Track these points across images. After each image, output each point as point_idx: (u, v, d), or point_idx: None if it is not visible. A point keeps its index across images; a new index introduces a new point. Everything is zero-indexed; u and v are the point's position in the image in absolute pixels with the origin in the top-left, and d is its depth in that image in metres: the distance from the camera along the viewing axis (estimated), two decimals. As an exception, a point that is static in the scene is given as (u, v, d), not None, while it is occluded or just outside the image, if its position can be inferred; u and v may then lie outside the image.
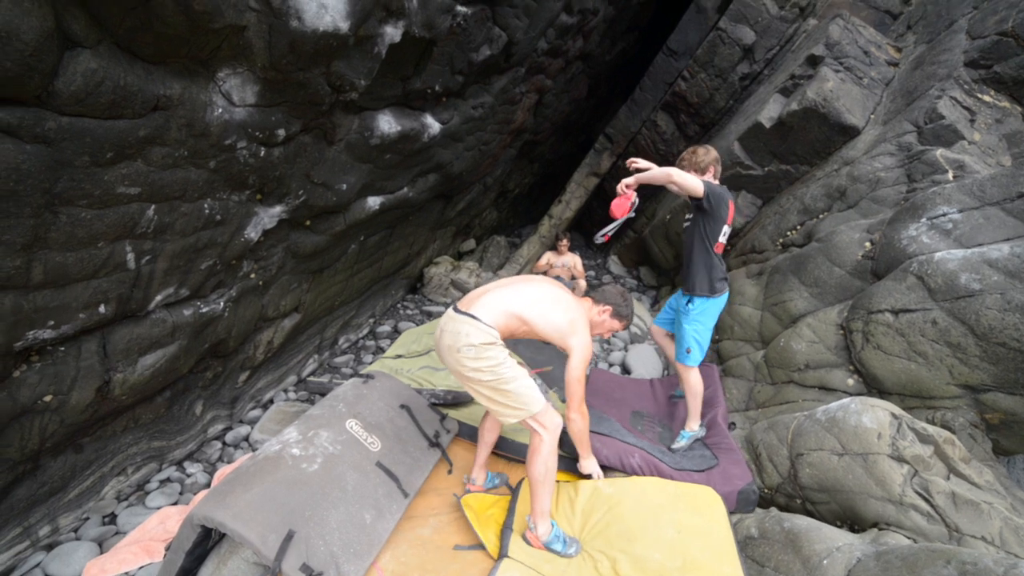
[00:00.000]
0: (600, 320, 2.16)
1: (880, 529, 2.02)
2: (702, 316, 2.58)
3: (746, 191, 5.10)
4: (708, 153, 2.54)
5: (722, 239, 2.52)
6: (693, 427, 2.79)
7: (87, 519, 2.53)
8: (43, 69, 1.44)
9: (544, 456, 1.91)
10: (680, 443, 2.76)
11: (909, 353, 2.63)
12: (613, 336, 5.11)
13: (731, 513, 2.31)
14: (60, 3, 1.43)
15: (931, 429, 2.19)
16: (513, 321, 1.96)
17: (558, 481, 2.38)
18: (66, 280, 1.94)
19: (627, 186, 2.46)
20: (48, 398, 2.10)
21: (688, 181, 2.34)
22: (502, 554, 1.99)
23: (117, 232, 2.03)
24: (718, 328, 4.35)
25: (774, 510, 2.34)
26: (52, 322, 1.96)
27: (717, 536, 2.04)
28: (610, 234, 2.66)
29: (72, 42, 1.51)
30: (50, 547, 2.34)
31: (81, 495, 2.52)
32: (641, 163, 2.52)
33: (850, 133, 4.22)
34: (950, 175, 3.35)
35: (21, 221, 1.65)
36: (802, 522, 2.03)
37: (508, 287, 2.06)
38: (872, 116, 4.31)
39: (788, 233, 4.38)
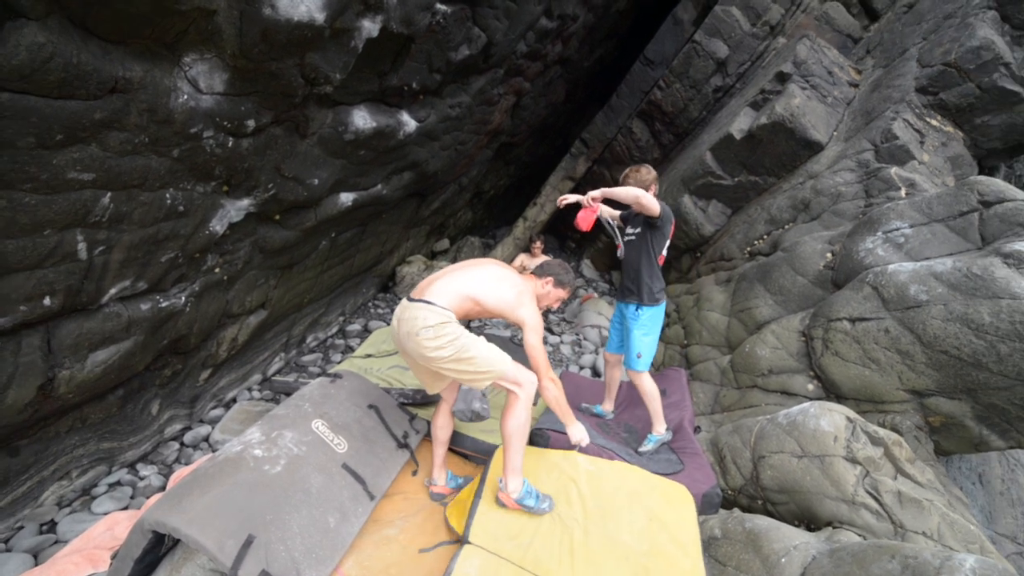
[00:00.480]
0: (545, 292, 2.23)
1: (834, 527, 2.11)
2: (649, 323, 2.71)
3: (716, 200, 5.25)
4: (650, 172, 2.73)
5: (664, 252, 2.69)
6: (660, 431, 2.86)
7: (20, 528, 2.35)
8: (-17, 40, 1.34)
9: (517, 411, 1.97)
10: (647, 447, 2.81)
11: (864, 360, 2.77)
12: (584, 340, 5.16)
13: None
14: (5, -29, 1.33)
15: (882, 432, 2.30)
16: (466, 303, 2.01)
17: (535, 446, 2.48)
18: (5, 269, 1.81)
19: (593, 199, 2.56)
20: (-19, 396, 1.95)
21: (651, 202, 2.47)
22: (463, 540, 1.98)
23: (67, 220, 1.91)
24: (687, 333, 4.46)
25: (737, 511, 2.41)
26: (-10, 314, 1.83)
27: (684, 530, 2.09)
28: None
29: (15, 12, 1.41)
30: (-26, 560, 2.17)
31: (15, 502, 2.35)
32: (595, 192, 2.64)
33: (814, 148, 4.41)
34: (903, 192, 3.55)
35: (-44, 204, 1.53)
36: (763, 522, 2.10)
37: (457, 271, 2.10)
38: (835, 133, 4.52)
39: (755, 242, 4.53)
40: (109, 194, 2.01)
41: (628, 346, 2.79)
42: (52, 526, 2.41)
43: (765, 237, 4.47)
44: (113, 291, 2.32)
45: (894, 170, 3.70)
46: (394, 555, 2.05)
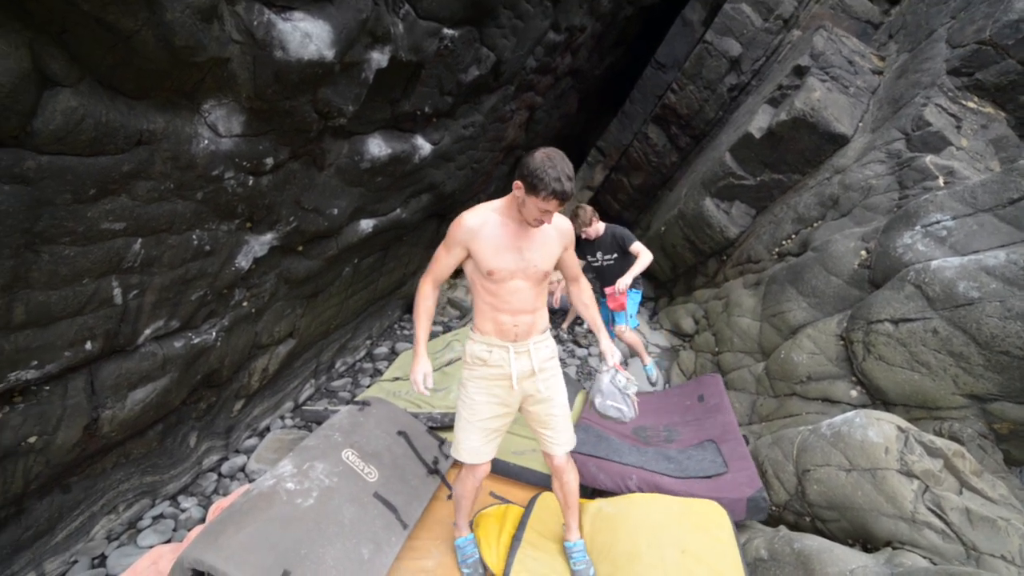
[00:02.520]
0: (520, 199, 1.63)
1: (894, 548, 1.96)
2: (635, 298, 3.75)
3: (739, 201, 5.11)
4: (585, 211, 3.61)
5: None
6: (647, 361, 3.93)
7: (75, 562, 2.44)
8: (20, 110, 1.42)
9: (455, 485, 2.05)
10: (651, 374, 3.81)
11: (911, 363, 2.60)
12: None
13: (741, 521, 2.25)
14: (38, 44, 1.42)
15: (939, 442, 2.14)
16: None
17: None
18: (50, 319, 1.90)
19: (622, 291, 3.42)
20: (32, 439, 2.04)
21: (648, 257, 3.46)
22: (505, 573, 1.94)
23: (103, 268, 2.00)
24: (717, 340, 4.32)
25: (783, 529, 2.28)
26: (36, 362, 1.92)
27: (723, 555, 1.98)
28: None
29: (51, 81, 1.50)
30: (36, 594, 2.26)
31: (69, 537, 2.44)
32: (622, 282, 3.38)
33: (839, 141, 4.24)
34: (941, 181, 3.36)
35: (1, 262, 1.62)
36: (813, 543, 1.97)
37: None
38: (860, 124, 4.34)
39: (783, 242, 4.37)
40: (139, 240, 2.10)
41: (624, 315, 3.65)
42: (103, 560, 2.49)
43: (793, 237, 4.30)
44: (148, 331, 2.40)
45: (929, 159, 3.51)
46: (429, 588, 2.02)
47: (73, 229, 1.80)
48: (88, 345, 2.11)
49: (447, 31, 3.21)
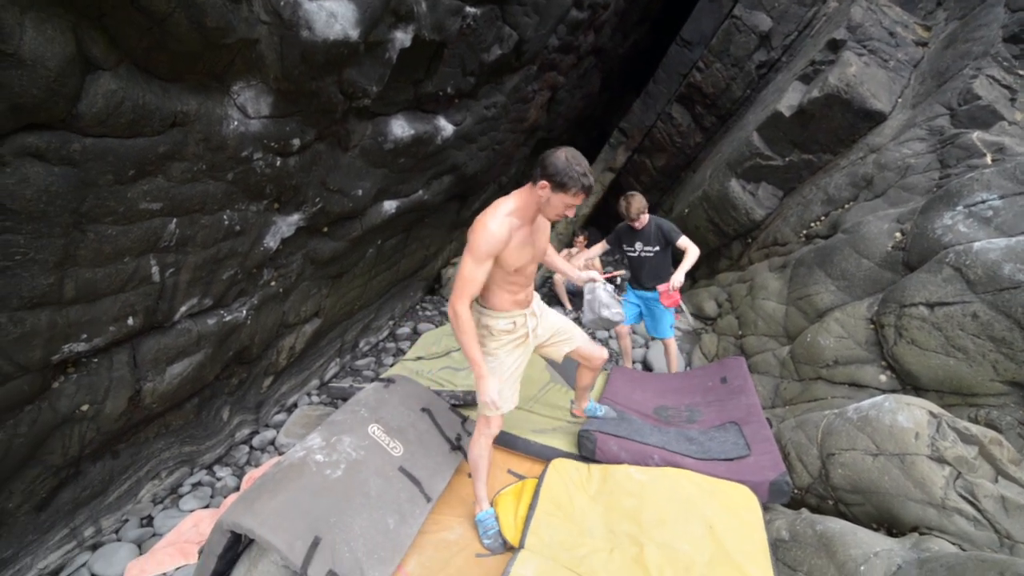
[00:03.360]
0: (544, 198, 1.73)
1: (921, 534, 1.94)
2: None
3: (766, 182, 4.95)
4: (638, 199, 3.40)
5: None
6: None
7: (127, 521, 2.62)
8: (67, 93, 1.48)
9: (471, 448, 2.20)
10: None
11: (947, 348, 2.52)
12: (633, 332, 5.02)
13: (763, 505, 2.25)
14: (80, 29, 1.46)
15: (975, 428, 2.08)
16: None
17: (588, 461, 2.50)
18: (96, 295, 2.00)
19: (676, 288, 3.36)
20: (85, 407, 2.17)
21: (695, 251, 3.33)
22: (520, 546, 1.99)
23: (142, 247, 2.08)
24: (741, 323, 4.25)
25: (805, 511, 2.27)
26: (85, 335, 2.03)
27: (749, 536, 1.99)
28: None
29: (93, 65, 1.55)
30: (94, 547, 2.45)
31: (120, 498, 2.61)
32: (676, 279, 3.32)
33: (876, 119, 4.05)
34: (988, 159, 3.19)
35: (52, 241, 1.71)
36: (835, 525, 1.96)
37: None
38: (899, 100, 4.13)
39: (812, 224, 4.24)
40: (175, 220, 2.18)
41: (660, 321, 3.60)
42: (150, 520, 2.67)
43: (823, 219, 4.16)
44: (183, 309, 2.51)
45: (976, 135, 3.33)
46: (453, 558, 2.09)
47: (115, 209, 1.88)
48: (130, 320, 2.22)
49: (469, 9, 3.17)
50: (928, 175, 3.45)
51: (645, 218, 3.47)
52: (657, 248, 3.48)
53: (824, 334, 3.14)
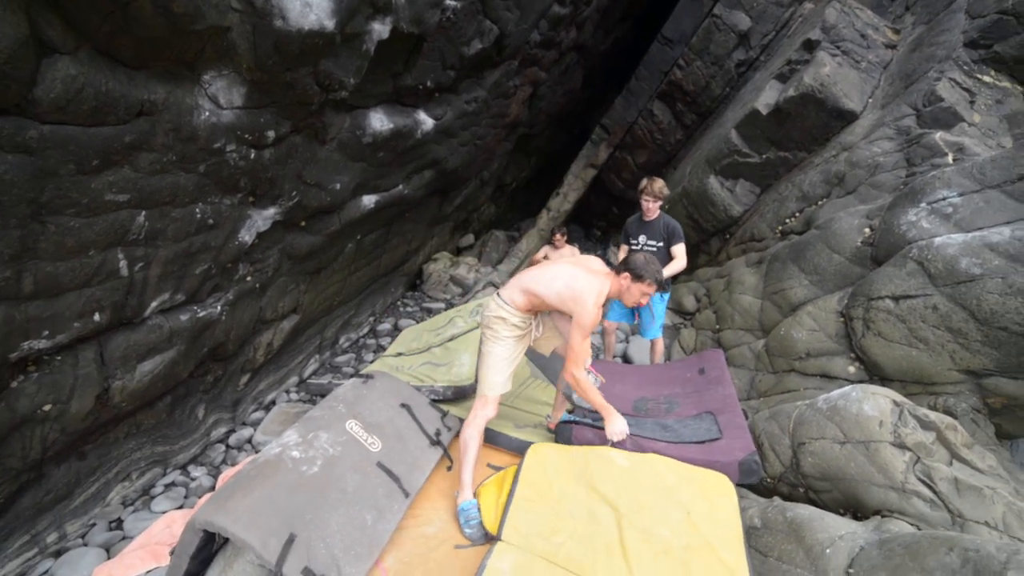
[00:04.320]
0: (625, 287, 2.26)
1: (883, 517, 2.01)
2: (666, 303, 3.71)
3: (744, 179, 5.05)
4: (657, 182, 3.43)
5: None
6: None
7: (94, 525, 2.54)
8: (20, 77, 1.42)
9: (471, 421, 2.28)
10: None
11: (910, 339, 2.61)
12: (617, 329, 5.08)
13: (737, 485, 2.30)
14: (34, 10, 1.40)
15: (933, 415, 2.17)
16: (526, 295, 2.26)
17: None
18: (58, 289, 1.93)
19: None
20: (47, 407, 2.10)
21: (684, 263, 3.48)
22: (495, 538, 2.00)
23: (108, 240, 2.02)
24: (718, 317, 4.33)
25: (777, 499, 2.34)
26: (47, 332, 1.96)
27: (724, 522, 2.04)
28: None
29: (49, 48, 1.49)
30: (58, 553, 2.36)
31: (87, 501, 2.53)
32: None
33: (848, 118, 4.17)
34: (950, 158, 3.31)
35: (7, 232, 1.64)
36: (805, 511, 2.02)
37: (534, 269, 2.38)
38: (870, 100, 4.26)
39: (787, 220, 4.34)
40: (144, 212, 2.11)
41: (652, 322, 3.65)
42: (119, 523, 2.59)
43: (797, 215, 4.27)
44: (154, 304, 2.44)
45: (939, 135, 3.45)
46: (433, 551, 2.09)
47: (78, 200, 1.82)
48: (96, 316, 2.15)
49: (449, 2, 3.14)
50: (896, 173, 3.57)
51: (657, 208, 3.50)
52: (660, 244, 3.53)
53: (797, 327, 3.23)
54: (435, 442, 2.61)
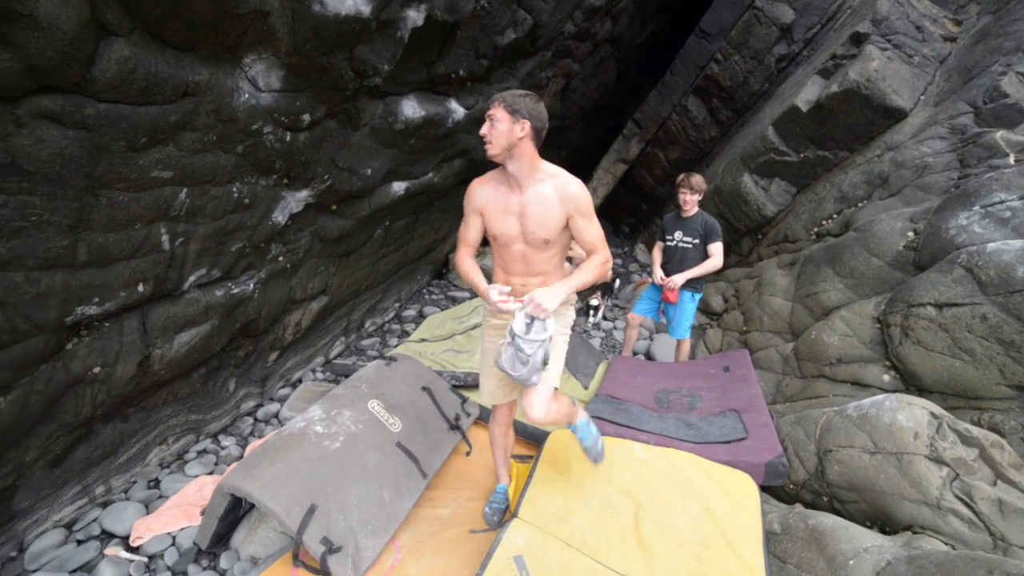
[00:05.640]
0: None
1: (914, 533, 1.93)
2: (691, 305, 3.58)
3: (779, 178, 4.88)
4: (698, 178, 3.42)
5: None
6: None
7: (135, 482, 2.71)
8: (81, 57, 1.50)
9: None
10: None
11: (953, 350, 2.48)
12: (640, 326, 4.97)
13: (761, 488, 2.26)
14: (95, -8, 1.48)
15: (976, 431, 2.06)
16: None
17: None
18: (108, 260, 2.04)
19: (675, 285, 3.45)
20: (96, 370, 2.23)
21: (720, 262, 3.44)
22: (513, 514, 2.03)
23: (152, 214, 2.12)
24: (746, 319, 4.22)
25: (799, 506, 2.27)
26: (97, 299, 2.08)
27: (745, 521, 2.00)
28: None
29: (107, 31, 1.57)
30: (104, 504, 2.54)
31: (129, 460, 2.69)
32: (677, 277, 3.43)
33: (896, 116, 3.96)
34: (1011, 159, 3.10)
35: (67, 203, 1.75)
36: (828, 520, 1.96)
37: None
38: (922, 97, 4.03)
39: (823, 222, 4.18)
40: (185, 190, 2.21)
41: (680, 322, 3.58)
42: (157, 483, 2.76)
43: (835, 216, 4.10)
44: (192, 279, 2.55)
45: (1000, 134, 3.24)
46: (446, 532, 2.14)
47: (127, 176, 1.91)
48: (140, 287, 2.26)
49: (484, -10, 3.14)
50: (947, 174, 3.38)
51: (690, 206, 3.42)
52: (696, 241, 3.45)
53: (829, 332, 3.11)
54: (454, 426, 2.66)
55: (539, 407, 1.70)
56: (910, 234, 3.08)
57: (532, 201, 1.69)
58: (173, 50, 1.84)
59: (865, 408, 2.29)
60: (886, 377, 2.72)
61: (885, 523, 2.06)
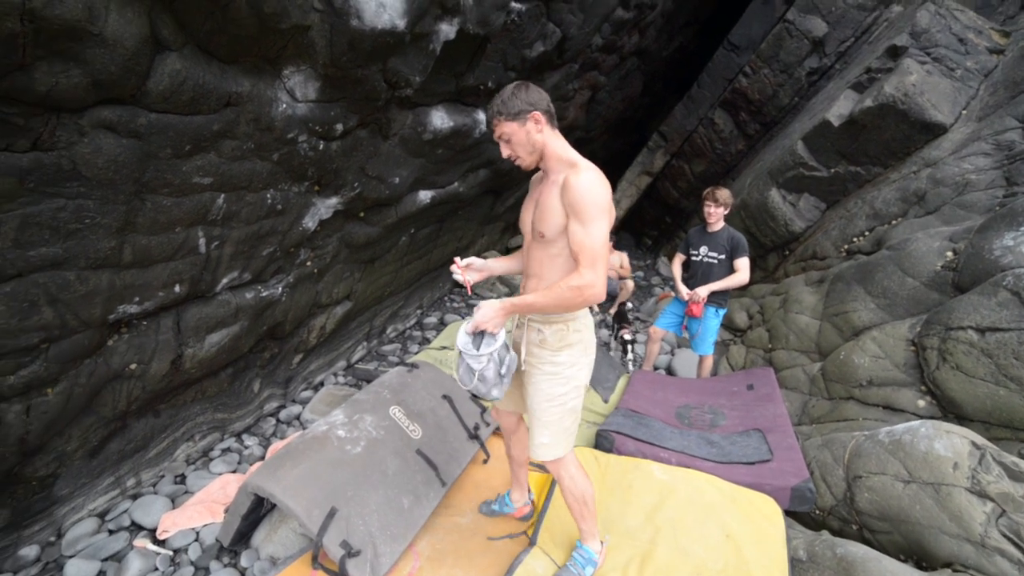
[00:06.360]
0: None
1: (955, 571, 1.84)
2: (715, 321, 3.52)
3: (808, 193, 4.78)
4: (724, 192, 3.38)
5: None
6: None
7: (163, 476, 2.80)
8: (139, 71, 1.59)
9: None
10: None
11: (998, 377, 2.37)
12: (663, 341, 4.90)
13: (785, 512, 2.18)
14: (154, 13, 1.57)
15: None
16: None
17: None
18: (149, 261, 2.13)
19: (700, 299, 3.40)
20: (133, 366, 2.32)
21: (746, 278, 3.40)
22: (532, 542, 2.01)
23: (192, 219, 2.21)
24: (771, 336, 4.12)
25: (826, 534, 2.19)
26: (137, 298, 2.17)
27: (769, 548, 1.94)
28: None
29: (162, 46, 1.66)
30: (134, 497, 2.63)
31: (159, 455, 2.78)
32: (701, 290, 3.39)
33: (935, 131, 3.84)
34: (1059, 178, 2.97)
35: (116, 207, 1.84)
36: (858, 550, 1.88)
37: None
38: (964, 112, 3.90)
39: (854, 239, 4.06)
40: (223, 195, 2.29)
41: (703, 337, 3.52)
42: (183, 478, 2.84)
43: (867, 234, 3.98)
44: (225, 281, 2.64)
45: (1046, 153, 3.11)
46: (464, 541, 2.13)
47: (171, 181, 2.00)
48: (177, 288, 2.35)
49: (515, 5, 3.19)
50: (990, 192, 3.25)
51: (715, 219, 3.39)
52: (722, 257, 3.41)
53: (859, 353, 3.01)
54: (473, 436, 2.66)
55: (537, 452, 1.62)
56: (949, 254, 2.97)
57: (547, 191, 1.52)
58: (219, 63, 1.93)
59: (898, 434, 2.21)
60: (921, 402, 2.61)
61: (922, 558, 1.97)
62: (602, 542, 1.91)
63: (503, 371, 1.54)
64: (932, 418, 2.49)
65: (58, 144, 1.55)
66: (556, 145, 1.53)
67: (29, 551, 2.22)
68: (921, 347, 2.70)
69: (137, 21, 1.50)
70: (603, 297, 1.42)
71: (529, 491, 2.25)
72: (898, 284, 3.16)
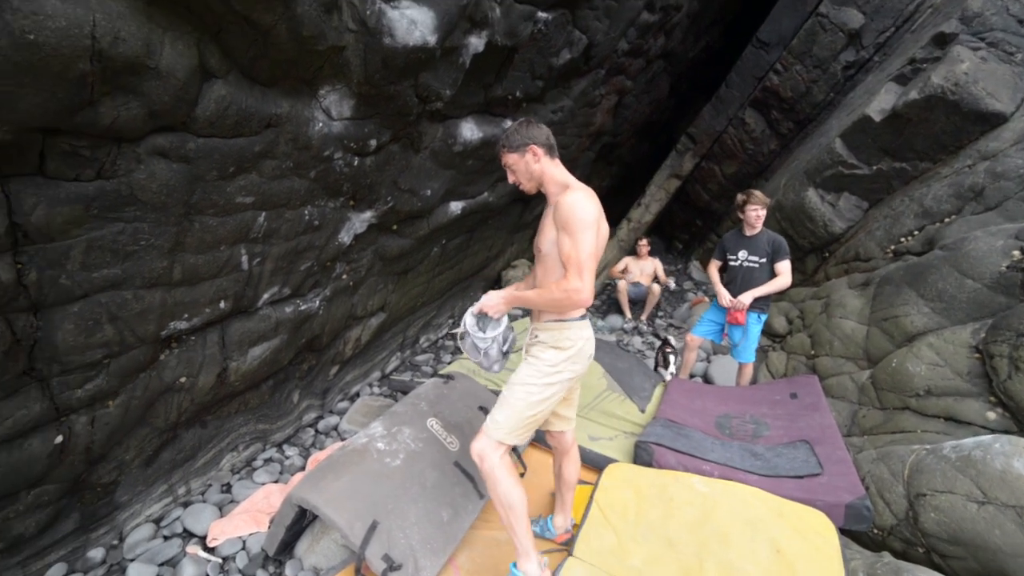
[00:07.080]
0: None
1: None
2: (757, 326, 3.42)
3: (848, 192, 4.57)
4: (759, 195, 3.30)
5: None
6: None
7: (210, 485, 2.90)
8: (188, 99, 1.67)
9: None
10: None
11: (1074, 385, 2.19)
12: (700, 349, 4.77)
13: (840, 531, 2.06)
14: (203, 43, 1.64)
15: (1113, 483, 1.79)
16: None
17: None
18: (197, 279, 2.22)
19: (743, 306, 3.32)
20: (183, 379, 2.42)
21: (788, 281, 3.32)
22: (568, 552, 1.97)
23: (235, 237, 2.29)
24: (814, 342, 3.94)
25: (887, 555, 2.05)
26: (186, 315, 2.26)
27: (824, 566, 1.83)
28: None
29: (209, 74, 1.73)
30: (185, 504, 2.74)
31: (206, 464, 2.88)
32: (744, 297, 3.30)
33: (992, 121, 3.61)
34: None
35: (168, 229, 1.92)
36: (926, 576, 1.76)
37: None
38: None
39: (902, 239, 3.86)
40: (264, 213, 2.37)
41: (746, 345, 3.42)
42: (229, 487, 2.93)
43: (916, 233, 3.77)
44: (266, 296, 2.72)
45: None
46: (503, 556, 2.10)
47: (216, 202, 2.08)
48: (222, 304, 2.43)
49: (541, 14, 3.20)
50: (1056, 187, 3.03)
51: (760, 223, 3.31)
52: (763, 260, 3.31)
53: (914, 360, 2.84)
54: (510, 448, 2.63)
55: (486, 423, 1.74)
56: (1015, 253, 2.78)
57: (546, 213, 1.79)
58: (260, 87, 2.00)
59: (967, 449, 2.06)
60: (991, 415, 2.43)
61: (1000, 584, 1.82)
62: (541, 560, 1.78)
63: (505, 349, 1.83)
64: (1005, 432, 2.31)
65: (118, 172, 1.64)
66: (554, 173, 1.77)
67: (96, 553, 2.36)
68: (988, 354, 2.53)
69: (188, 53, 1.58)
70: (590, 301, 1.59)
71: (571, 519, 2.21)
72: (955, 286, 2.97)
